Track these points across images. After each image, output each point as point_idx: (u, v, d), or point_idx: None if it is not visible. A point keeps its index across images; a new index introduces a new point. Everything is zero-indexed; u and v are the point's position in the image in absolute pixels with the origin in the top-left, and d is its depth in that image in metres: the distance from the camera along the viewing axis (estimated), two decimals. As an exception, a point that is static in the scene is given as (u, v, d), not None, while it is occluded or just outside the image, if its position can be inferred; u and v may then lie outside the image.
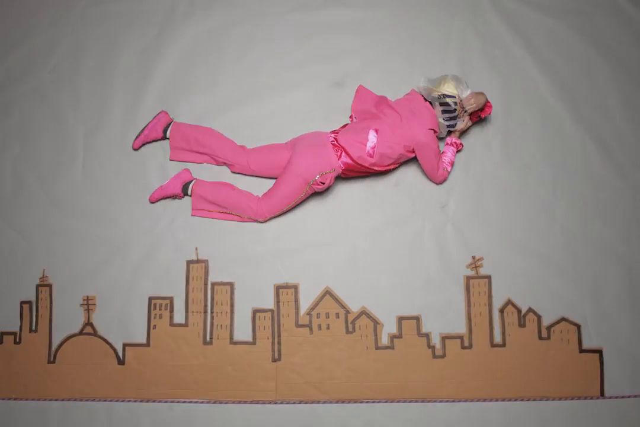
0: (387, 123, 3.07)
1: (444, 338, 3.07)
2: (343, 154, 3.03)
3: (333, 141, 3.05)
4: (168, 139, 3.23)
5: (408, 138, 3.04)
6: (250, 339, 3.09)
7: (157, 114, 3.23)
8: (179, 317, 3.11)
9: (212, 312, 3.10)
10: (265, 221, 3.17)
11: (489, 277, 3.11)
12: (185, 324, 3.10)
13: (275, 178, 3.15)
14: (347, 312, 3.10)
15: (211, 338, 3.09)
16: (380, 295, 3.11)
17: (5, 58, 3.36)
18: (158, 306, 3.11)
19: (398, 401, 3.02)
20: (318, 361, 3.06)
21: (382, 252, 3.17)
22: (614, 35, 3.36)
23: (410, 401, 3.01)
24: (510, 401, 3.03)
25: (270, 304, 3.11)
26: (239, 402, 3.04)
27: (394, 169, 3.18)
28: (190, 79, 3.33)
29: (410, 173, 3.23)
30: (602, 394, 3.03)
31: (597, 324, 3.09)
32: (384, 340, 3.08)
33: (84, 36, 3.38)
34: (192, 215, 3.18)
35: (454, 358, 3.05)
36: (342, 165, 3.05)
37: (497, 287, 3.11)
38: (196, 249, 3.14)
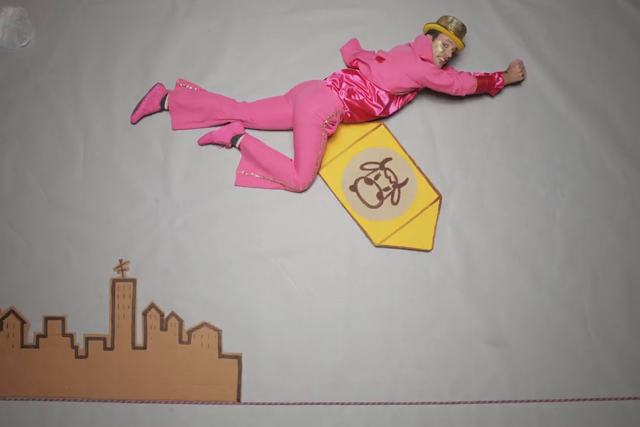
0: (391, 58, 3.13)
1: (88, 339, 3.10)
2: (343, 92, 3.08)
3: (329, 84, 3.10)
4: (166, 110, 3.23)
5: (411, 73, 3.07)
6: None
7: (153, 87, 3.24)
8: None
9: None
10: (304, 189, 3.16)
11: (134, 280, 3.14)
12: None
13: (281, 130, 3.19)
14: None
15: None
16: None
17: (5, 58, 3.36)
18: None
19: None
20: None
21: (382, 252, 3.17)
22: (614, 35, 3.36)
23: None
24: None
25: None
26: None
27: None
28: (190, 79, 3.32)
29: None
30: (238, 399, 3.05)
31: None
32: (30, 339, 3.11)
33: (84, 36, 3.38)
34: (235, 184, 3.20)
35: (96, 359, 3.09)
36: (344, 104, 3.07)
37: (142, 290, 3.13)
38: None
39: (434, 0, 3.38)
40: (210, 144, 3.23)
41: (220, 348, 3.09)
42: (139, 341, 3.11)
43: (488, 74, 3.18)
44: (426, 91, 3.26)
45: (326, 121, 3.05)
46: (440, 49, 3.11)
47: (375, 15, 3.39)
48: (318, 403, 3.06)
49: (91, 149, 3.28)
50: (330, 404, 3.06)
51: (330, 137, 3.18)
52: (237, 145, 3.19)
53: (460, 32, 3.13)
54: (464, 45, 3.16)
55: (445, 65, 3.20)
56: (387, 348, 3.10)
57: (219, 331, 3.10)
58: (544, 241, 3.18)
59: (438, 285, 3.14)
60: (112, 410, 3.06)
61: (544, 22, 3.37)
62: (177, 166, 3.24)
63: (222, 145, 3.22)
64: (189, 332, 3.10)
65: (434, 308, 3.13)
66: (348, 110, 3.10)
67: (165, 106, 3.23)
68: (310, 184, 3.16)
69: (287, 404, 3.06)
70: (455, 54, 3.21)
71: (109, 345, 3.10)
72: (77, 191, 3.24)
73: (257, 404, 3.04)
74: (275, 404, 3.06)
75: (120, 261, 3.16)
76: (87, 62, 3.36)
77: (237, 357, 3.07)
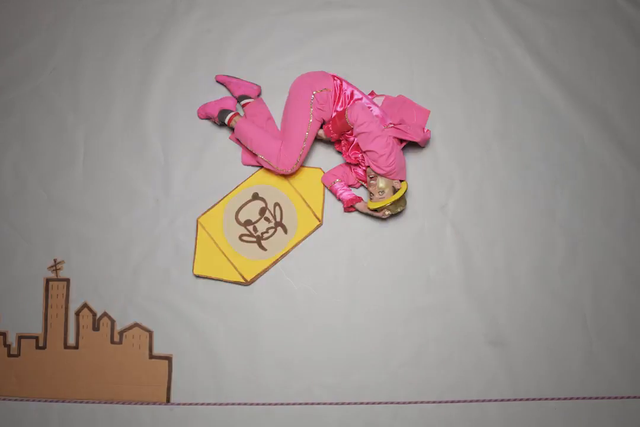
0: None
1: (20, 337, 3.13)
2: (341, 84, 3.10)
3: (331, 74, 3.14)
4: (225, 124, 3.22)
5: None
6: None
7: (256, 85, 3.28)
8: None
9: None
10: (292, 171, 3.11)
11: (67, 280, 3.16)
12: None
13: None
14: None
15: None
16: None
17: (6, 58, 3.36)
18: None
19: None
20: None
21: (382, 252, 3.17)
22: (614, 35, 3.36)
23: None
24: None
25: None
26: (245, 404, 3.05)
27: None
28: (190, 79, 3.32)
29: (409, 173, 3.23)
30: (168, 400, 3.06)
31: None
32: None
33: (84, 36, 3.38)
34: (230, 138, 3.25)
35: (29, 357, 3.12)
36: (335, 88, 3.06)
37: (75, 290, 3.16)
38: None
39: (434, 0, 3.38)
40: (204, 117, 3.26)
41: (151, 349, 3.10)
42: (72, 340, 3.13)
43: (355, 198, 3.13)
44: (426, 93, 3.27)
45: (314, 95, 3.03)
46: (381, 185, 3.03)
47: (375, 15, 3.38)
48: (318, 403, 3.06)
49: (91, 149, 3.28)
50: (330, 404, 3.06)
51: (322, 126, 3.14)
52: (225, 121, 3.17)
53: (389, 206, 3.04)
54: (370, 205, 3.05)
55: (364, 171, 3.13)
56: (387, 348, 3.11)
57: (150, 332, 3.11)
58: (544, 241, 3.18)
59: (438, 285, 3.14)
60: (112, 410, 3.07)
61: (544, 22, 3.37)
62: (177, 166, 3.25)
63: (212, 118, 3.22)
64: (121, 332, 3.12)
65: (434, 308, 3.13)
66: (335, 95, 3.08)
67: (226, 120, 3.19)
68: (299, 165, 3.11)
69: (287, 404, 3.06)
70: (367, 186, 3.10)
71: (41, 344, 3.12)
72: (77, 191, 3.24)
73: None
74: (276, 404, 3.06)
75: (55, 260, 3.17)
76: (87, 62, 3.36)
77: (168, 358, 3.09)
